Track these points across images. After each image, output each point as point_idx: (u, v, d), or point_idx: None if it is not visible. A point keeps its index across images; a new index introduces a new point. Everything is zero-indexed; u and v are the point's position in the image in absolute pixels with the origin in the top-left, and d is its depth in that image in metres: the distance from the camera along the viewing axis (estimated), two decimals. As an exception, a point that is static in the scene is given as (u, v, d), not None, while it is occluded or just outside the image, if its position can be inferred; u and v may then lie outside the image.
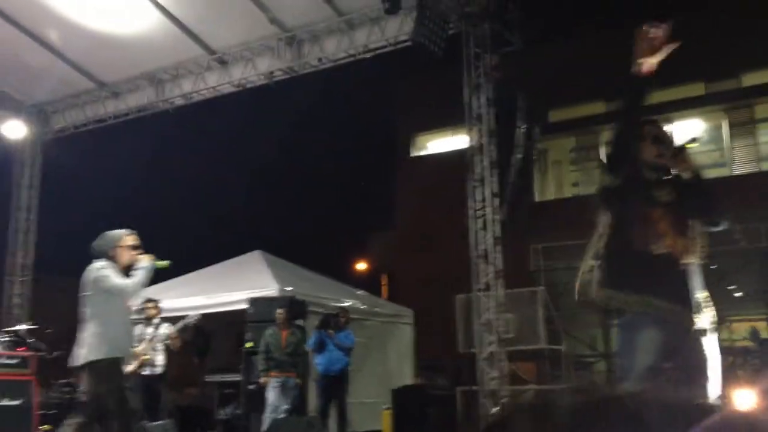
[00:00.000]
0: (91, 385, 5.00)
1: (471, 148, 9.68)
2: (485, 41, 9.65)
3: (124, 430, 4.91)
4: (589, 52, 16.37)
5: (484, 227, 9.31)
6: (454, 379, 11.29)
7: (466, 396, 9.55)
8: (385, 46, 10.24)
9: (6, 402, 8.08)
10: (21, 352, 8.83)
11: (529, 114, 10.33)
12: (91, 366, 4.96)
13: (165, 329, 8.27)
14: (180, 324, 8.20)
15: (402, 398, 9.37)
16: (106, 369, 4.94)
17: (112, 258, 5.14)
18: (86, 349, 5.00)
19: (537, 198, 17.54)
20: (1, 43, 11.24)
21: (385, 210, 22.20)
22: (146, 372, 8.01)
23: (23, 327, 9.53)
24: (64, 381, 10.02)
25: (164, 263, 5.29)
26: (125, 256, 5.16)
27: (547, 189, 18.07)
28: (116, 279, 5.05)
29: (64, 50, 11.51)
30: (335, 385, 9.16)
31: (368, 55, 10.44)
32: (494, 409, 8.52)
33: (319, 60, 10.69)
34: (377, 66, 11.06)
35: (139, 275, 5.09)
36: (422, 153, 21.23)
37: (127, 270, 5.16)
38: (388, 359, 11.52)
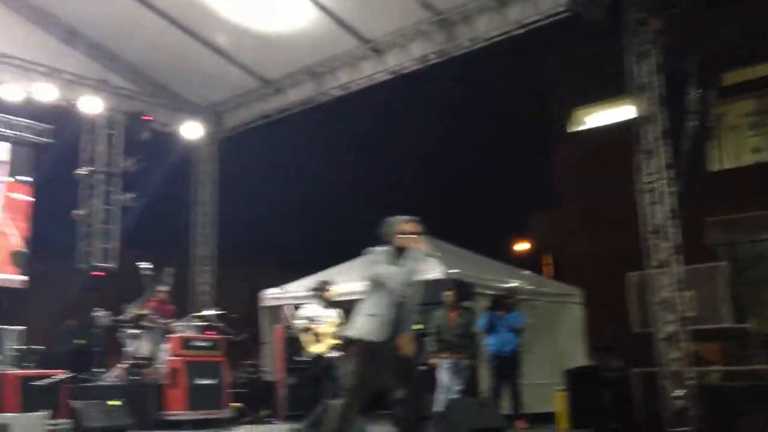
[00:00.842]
0: (348, 360, 5.21)
1: (638, 118, 9.22)
2: (649, 5, 9.13)
3: (342, 412, 5.01)
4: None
5: (656, 201, 8.89)
6: (628, 360, 10.87)
7: (643, 378, 9.15)
8: (539, 20, 9.96)
9: (202, 381, 8.80)
10: (211, 335, 9.57)
11: (701, 78, 9.70)
12: (347, 341, 5.20)
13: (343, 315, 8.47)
14: None
15: (575, 380, 9.14)
16: (356, 348, 5.09)
17: (392, 244, 5.14)
18: (352, 324, 5.22)
19: (713, 167, 16.41)
20: (178, 50, 12.15)
21: (544, 189, 21.66)
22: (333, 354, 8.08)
23: (211, 312, 10.31)
24: (249, 362, 10.77)
25: (436, 254, 5.20)
26: (401, 243, 5.11)
27: (724, 157, 16.84)
28: (380, 268, 5.06)
29: (231, 52, 12.23)
30: (507, 366, 9.14)
31: (521, 31, 10.20)
32: (677, 392, 8.14)
33: (471, 40, 10.59)
34: (529, 41, 10.80)
35: (406, 264, 5.05)
36: (581, 128, 20.54)
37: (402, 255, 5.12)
38: (558, 340, 11.29)
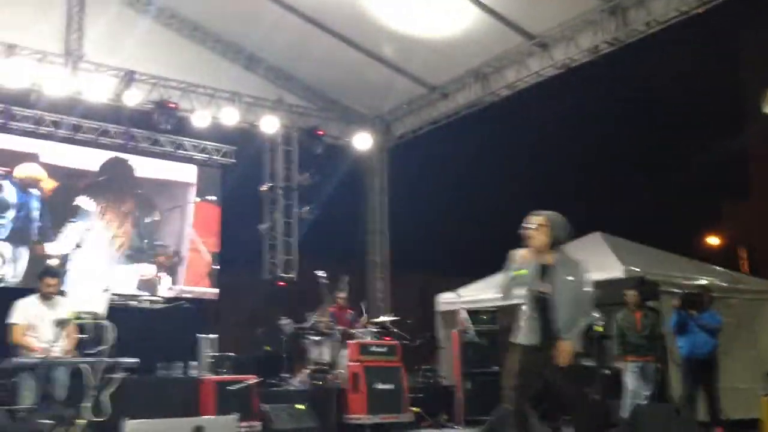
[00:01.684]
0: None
1: None
2: None
3: (515, 416, 4.89)
4: None
5: None
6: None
7: None
8: (723, -6, 9.18)
9: (380, 386, 8.95)
10: (388, 341, 9.73)
11: None
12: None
13: None
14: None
15: (781, 384, 8.31)
16: (511, 350, 5.04)
17: None
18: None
19: None
20: (346, 65, 12.56)
21: (737, 177, 19.99)
22: None
23: (387, 318, 10.49)
24: (426, 367, 10.83)
25: (522, 272, 4.90)
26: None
27: None
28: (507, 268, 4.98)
29: (397, 62, 12.42)
30: (702, 370, 8.45)
31: (702, 9, 9.45)
32: None
33: (647, 24, 9.97)
34: (710, 18, 9.98)
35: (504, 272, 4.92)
36: (777, 107, 18.72)
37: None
38: (759, 341, 10.28)
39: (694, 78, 20.47)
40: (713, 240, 21.53)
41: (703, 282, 9.69)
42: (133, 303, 9.61)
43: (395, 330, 10.16)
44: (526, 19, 10.95)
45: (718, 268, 11.35)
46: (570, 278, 4.90)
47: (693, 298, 8.73)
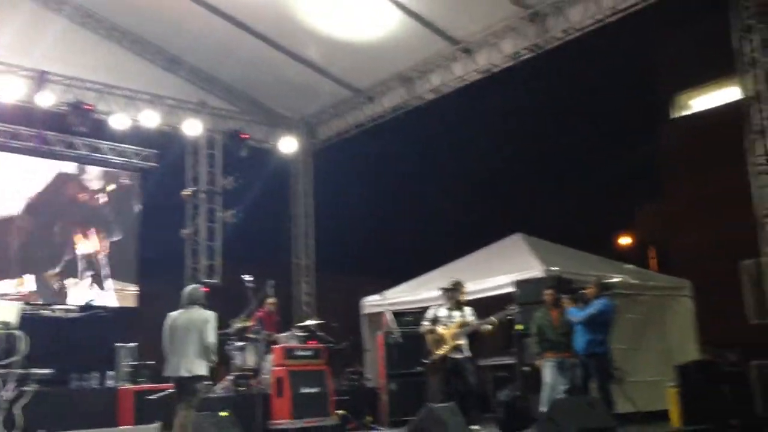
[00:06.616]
0: None
1: (746, 98, 8.81)
2: (750, -23, 8.67)
3: None
4: None
5: (770, 183, 8.41)
6: (745, 353, 10.21)
7: (761, 370, 8.59)
8: (635, 4, 9.58)
9: (306, 390, 8.93)
10: (313, 345, 9.71)
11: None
12: None
13: (471, 315, 8.39)
14: (501, 314, 8.43)
15: (688, 375, 8.66)
16: None
17: None
18: None
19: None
20: (271, 67, 12.50)
21: (647, 179, 20.83)
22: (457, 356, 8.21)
23: (312, 322, 10.46)
24: (351, 370, 10.85)
25: None
26: None
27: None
28: None
29: (322, 65, 12.41)
30: (590, 365, 8.30)
31: (615, 18, 9.85)
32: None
33: (564, 32, 10.30)
34: (623, 28, 10.43)
35: None
36: (686, 113, 19.65)
37: None
38: (667, 335, 10.75)
39: (608, 84, 21.22)
40: (625, 240, 22.36)
41: (614, 280, 9.79)
42: (46, 312, 9.27)
43: (320, 333, 10.15)
44: (449, 24, 11.11)
45: (630, 266, 11.76)
46: None
47: (575, 296, 8.57)
